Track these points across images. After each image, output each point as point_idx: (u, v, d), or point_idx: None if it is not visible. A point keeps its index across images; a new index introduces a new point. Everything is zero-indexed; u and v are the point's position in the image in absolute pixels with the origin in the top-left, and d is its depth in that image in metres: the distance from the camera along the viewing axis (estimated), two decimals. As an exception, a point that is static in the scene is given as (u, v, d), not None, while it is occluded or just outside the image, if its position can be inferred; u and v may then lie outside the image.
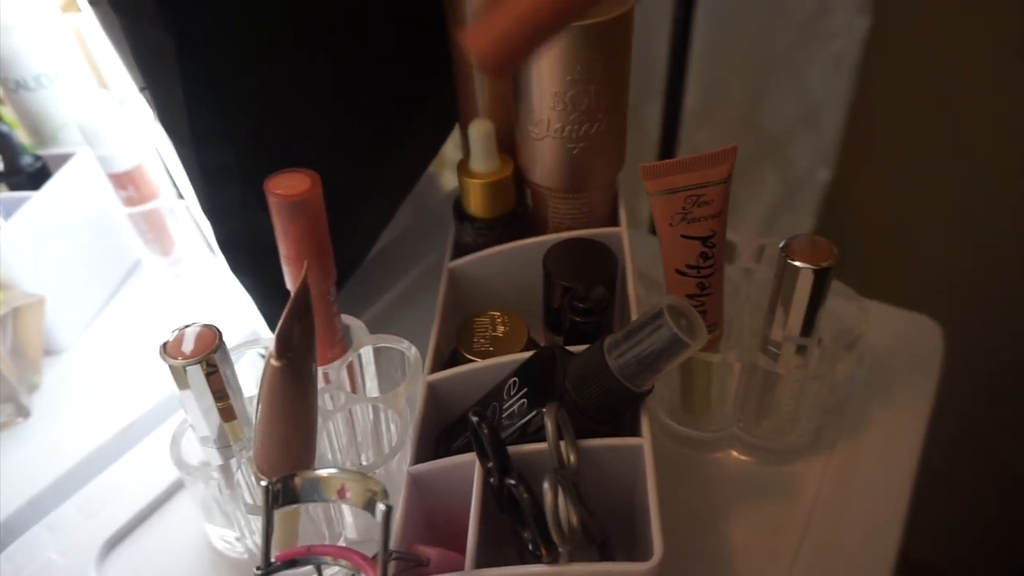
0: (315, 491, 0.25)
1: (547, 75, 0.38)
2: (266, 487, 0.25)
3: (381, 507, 0.24)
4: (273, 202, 0.34)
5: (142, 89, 0.33)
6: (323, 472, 0.25)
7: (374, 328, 0.40)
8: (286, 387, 0.27)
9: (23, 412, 0.48)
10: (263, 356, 0.42)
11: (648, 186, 0.34)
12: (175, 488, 0.42)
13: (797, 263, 0.34)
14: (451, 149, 0.64)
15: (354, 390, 0.40)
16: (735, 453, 0.43)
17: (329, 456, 0.38)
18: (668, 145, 1.00)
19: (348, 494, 0.25)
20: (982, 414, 1.02)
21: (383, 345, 0.40)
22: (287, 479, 0.26)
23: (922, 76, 0.91)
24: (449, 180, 0.67)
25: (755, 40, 0.97)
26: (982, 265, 0.99)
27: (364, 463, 0.40)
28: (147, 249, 0.55)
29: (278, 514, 0.33)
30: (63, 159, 0.53)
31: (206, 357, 0.31)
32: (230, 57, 0.32)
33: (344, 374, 0.39)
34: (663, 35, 0.91)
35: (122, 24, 0.30)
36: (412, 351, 0.39)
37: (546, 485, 0.26)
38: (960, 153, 0.88)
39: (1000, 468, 1.07)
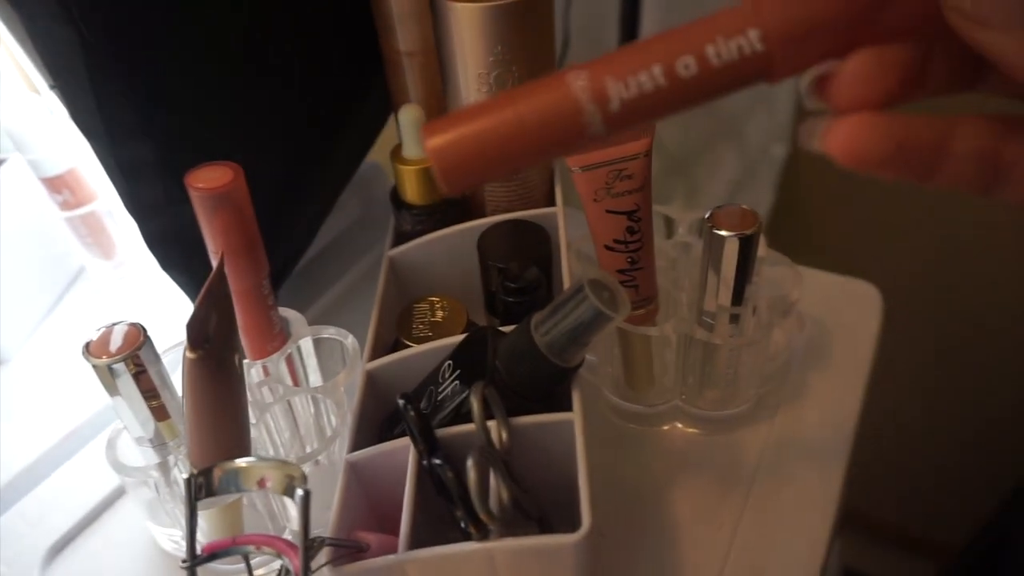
0: (234, 481, 0.25)
1: (470, 57, 0.38)
2: (188, 480, 0.25)
3: (299, 492, 0.24)
4: (195, 196, 0.33)
5: (52, 87, 0.32)
6: (241, 462, 0.25)
7: (323, 321, 0.40)
8: (205, 379, 0.27)
9: (-36, 424, 0.47)
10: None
11: (569, 163, 0.34)
12: (119, 492, 0.42)
13: (722, 232, 0.35)
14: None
15: (295, 382, 0.40)
16: (680, 425, 0.43)
17: (271, 450, 0.38)
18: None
19: (268, 483, 0.25)
20: (923, 376, 1.05)
21: (323, 336, 0.40)
22: (208, 471, 0.25)
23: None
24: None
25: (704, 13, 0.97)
26: (934, 232, 1.01)
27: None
28: (89, 253, 0.54)
29: (219, 508, 0.34)
30: (-4, 165, 0.52)
31: (131, 355, 0.31)
32: (141, 50, 0.32)
33: (283, 367, 0.39)
34: (612, 17, 0.91)
35: (23, 21, 0.30)
36: (349, 340, 0.38)
37: (469, 463, 0.26)
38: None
39: (939, 426, 1.10)
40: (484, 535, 0.28)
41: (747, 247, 0.35)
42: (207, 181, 0.33)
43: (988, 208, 0.90)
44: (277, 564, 0.36)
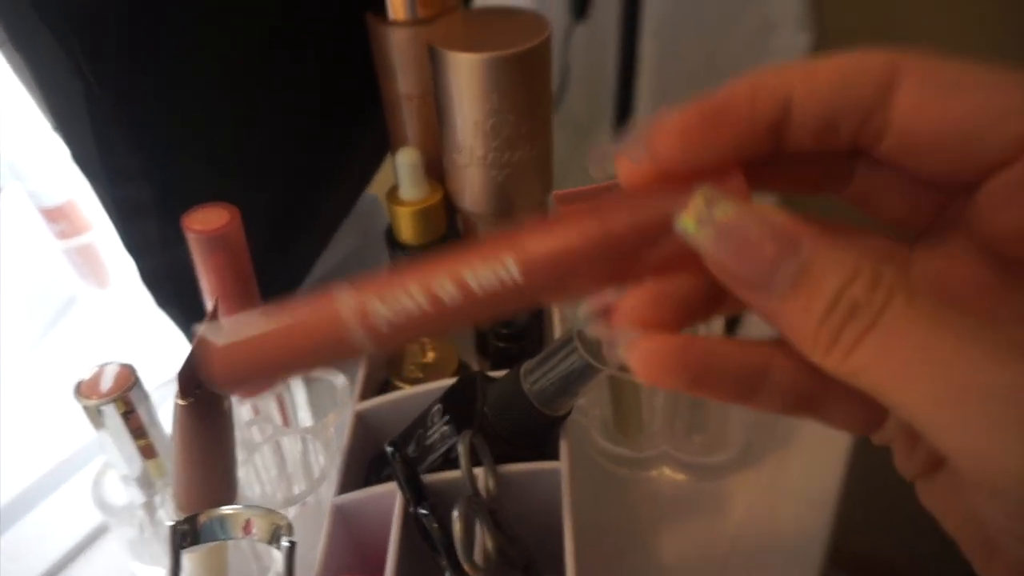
0: (220, 529, 0.25)
1: (467, 104, 0.38)
2: (173, 527, 0.25)
3: (285, 543, 0.24)
4: (191, 238, 0.34)
5: (55, 129, 0.33)
6: (227, 509, 0.25)
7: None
8: (195, 425, 0.27)
9: (-50, 454, 0.47)
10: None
11: (554, 195, 0.34)
12: (102, 529, 0.41)
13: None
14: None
15: (285, 422, 0.40)
16: (667, 471, 0.43)
17: (258, 489, 0.38)
18: (619, 164, 1.02)
19: (254, 529, 0.25)
20: None
21: (313, 376, 0.40)
22: (193, 518, 0.26)
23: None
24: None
25: (702, 58, 0.99)
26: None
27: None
28: (83, 283, 0.55)
29: (204, 551, 0.33)
30: (-7, 194, 0.52)
31: (121, 396, 0.31)
32: (142, 98, 0.32)
33: (273, 406, 0.39)
34: (610, 56, 0.93)
35: (29, 68, 0.30)
36: (340, 380, 0.39)
37: (455, 513, 0.27)
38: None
39: None
40: (469, 586, 0.28)
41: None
42: (204, 223, 0.34)
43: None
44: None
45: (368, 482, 0.36)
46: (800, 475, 0.42)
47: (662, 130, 0.17)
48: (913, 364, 0.14)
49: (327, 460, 0.36)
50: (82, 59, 0.28)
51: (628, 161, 0.18)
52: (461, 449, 0.29)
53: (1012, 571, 0.17)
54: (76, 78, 0.29)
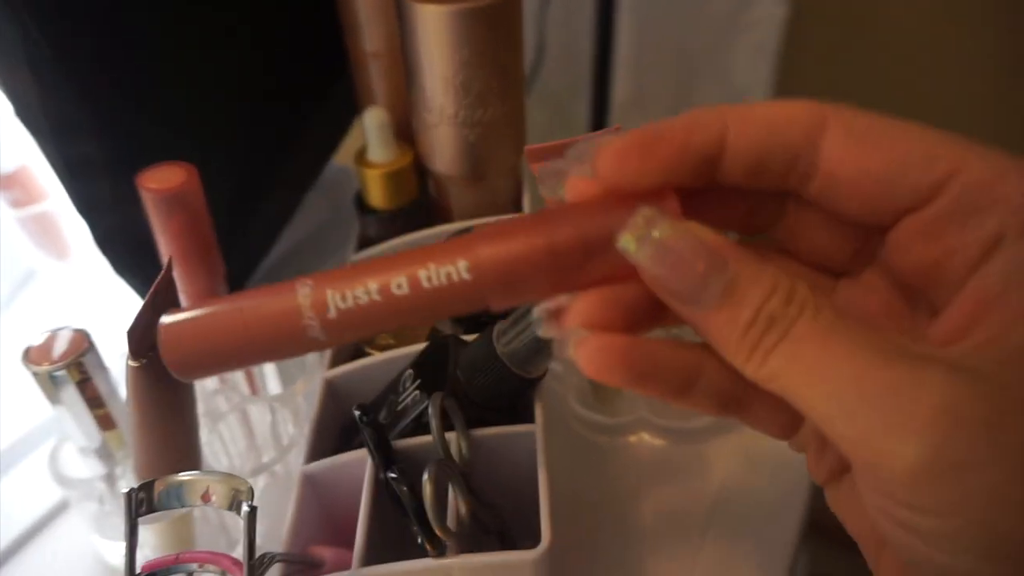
0: (177, 496, 0.24)
1: (437, 60, 0.37)
2: (128, 494, 0.24)
3: (245, 508, 0.23)
4: (147, 197, 0.32)
5: (-6, 80, 0.31)
6: (185, 476, 0.24)
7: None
8: (150, 389, 0.26)
9: (-98, 432, 0.45)
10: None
11: (534, 169, 0.33)
12: (63, 505, 0.40)
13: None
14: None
15: (253, 390, 0.39)
16: (646, 436, 0.43)
17: (225, 461, 0.37)
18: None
19: (213, 496, 0.24)
20: None
21: (280, 343, 0.39)
22: (149, 485, 0.24)
23: (841, 63, 0.94)
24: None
25: (680, 31, 0.98)
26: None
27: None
28: (41, 254, 0.52)
29: (168, 522, 0.32)
30: (-58, 162, 0.50)
31: (74, 362, 0.30)
32: (87, 46, 0.31)
33: (240, 374, 0.37)
34: (586, 28, 0.91)
35: (-37, 12, 0.28)
36: (308, 348, 0.37)
37: (425, 477, 0.26)
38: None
39: None
40: (440, 551, 0.27)
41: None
42: (160, 182, 0.32)
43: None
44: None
45: (339, 452, 0.35)
46: (777, 442, 0.42)
47: (605, 150, 0.19)
48: (815, 367, 0.16)
49: (296, 429, 0.35)
50: (20, 2, 0.26)
51: (575, 177, 0.20)
52: (432, 412, 0.28)
53: (898, 564, 0.19)
54: (14, 23, 0.27)
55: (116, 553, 0.37)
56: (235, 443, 0.37)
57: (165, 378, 0.26)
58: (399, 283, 0.19)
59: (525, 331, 0.29)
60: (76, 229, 0.52)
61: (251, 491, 0.23)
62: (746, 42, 0.98)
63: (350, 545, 0.31)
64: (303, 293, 0.19)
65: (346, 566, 0.30)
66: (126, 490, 0.24)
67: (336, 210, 0.60)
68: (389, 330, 0.20)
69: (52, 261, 0.53)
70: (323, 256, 0.55)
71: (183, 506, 0.24)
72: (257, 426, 0.37)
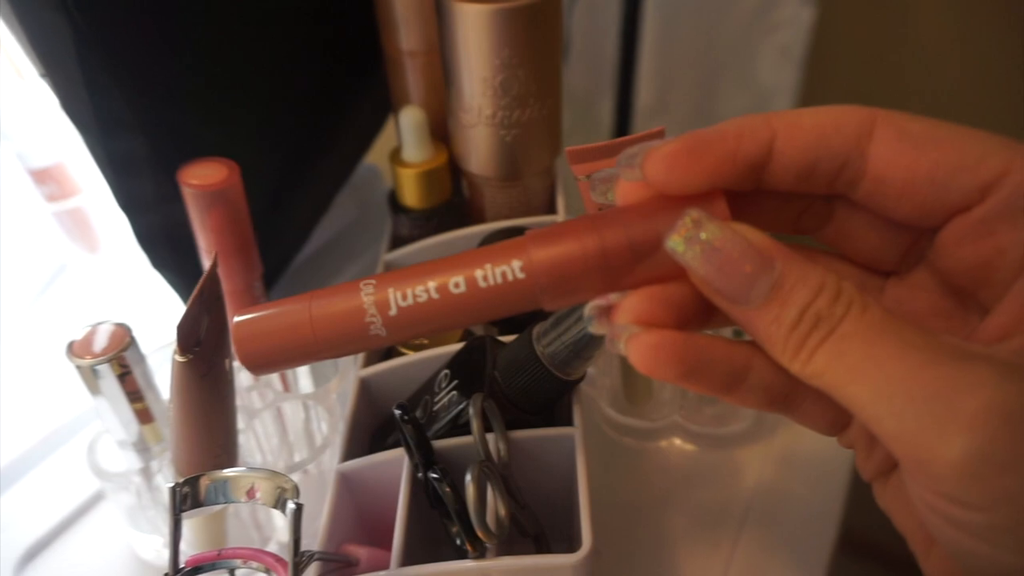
0: (222, 492, 0.24)
1: (475, 60, 0.37)
2: (172, 489, 0.24)
3: (291, 505, 0.23)
4: (188, 193, 0.32)
5: (43, 75, 0.31)
6: (230, 472, 0.24)
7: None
8: (194, 383, 0.26)
9: (-62, 422, 0.45)
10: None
11: (575, 171, 0.33)
12: (97, 497, 0.40)
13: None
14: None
15: (285, 388, 0.39)
16: (678, 441, 0.42)
17: (259, 457, 0.37)
18: (621, 139, 1.01)
19: (258, 493, 0.24)
20: None
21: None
22: (194, 480, 0.24)
23: (868, 66, 0.93)
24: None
25: (704, 33, 0.97)
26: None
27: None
28: (73, 248, 0.53)
29: (203, 518, 0.32)
30: (-21, 156, 0.50)
31: (116, 356, 0.30)
32: (134, 42, 0.31)
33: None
34: (612, 30, 0.91)
35: (13, 6, 0.29)
36: (343, 346, 0.37)
37: (468, 478, 0.25)
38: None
39: None
40: (480, 553, 0.27)
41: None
42: (201, 178, 0.32)
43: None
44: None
45: (372, 452, 0.35)
46: (812, 449, 0.42)
47: (654, 155, 0.19)
48: (861, 365, 0.16)
49: (330, 427, 0.35)
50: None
51: (624, 181, 0.20)
52: (473, 412, 0.28)
53: (945, 561, 0.19)
54: (62, 14, 0.27)
55: (149, 546, 0.37)
56: (269, 440, 0.37)
57: (209, 373, 0.26)
58: (456, 282, 0.20)
59: (565, 333, 0.29)
60: (107, 224, 0.53)
61: (296, 489, 0.23)
62: (772, 44, 0.97)
63: (382, 544, 0.31)
64: (366, 292, 0.20)
65: (380, 565, 0.30)
66: (170, 484, 0.24)
67: (364, 209, 0.60)
68: (447, 328, 0.20)
69: (83, 255, 0.54)
70: (352, 255, 0.55)
71: (228, 502, 0.24)
72: (290, 424, 0.37)
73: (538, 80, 0.38)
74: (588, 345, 0.29)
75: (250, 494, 0.24)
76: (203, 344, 0.26)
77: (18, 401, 0.46)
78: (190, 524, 0.33)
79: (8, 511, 0.40)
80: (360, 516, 0.34)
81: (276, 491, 0.24)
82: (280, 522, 0.37)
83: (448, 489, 0.26)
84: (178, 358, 0.25)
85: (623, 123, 0.99)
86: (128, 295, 0.54)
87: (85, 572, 0.37)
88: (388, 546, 0.31)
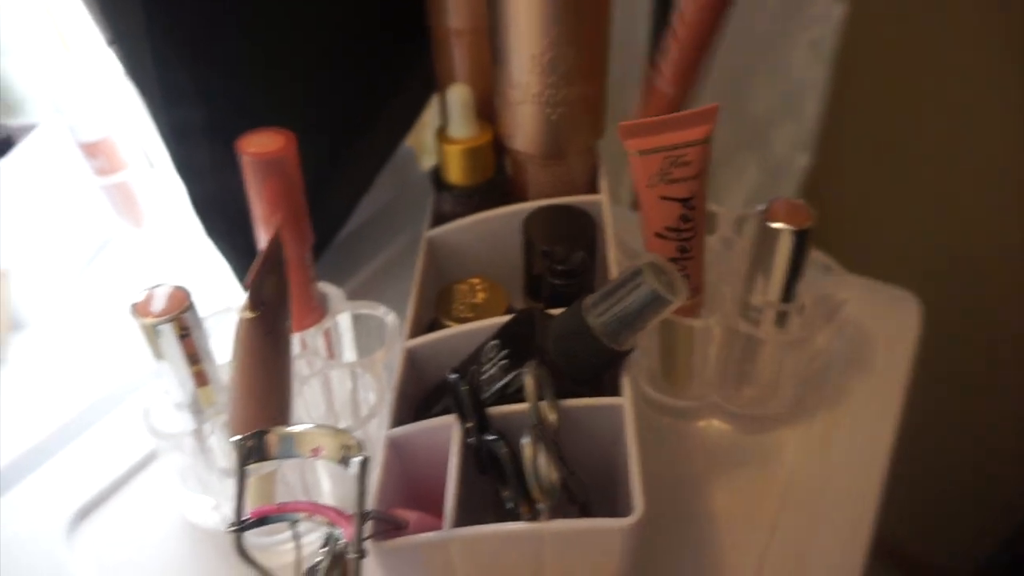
0: (288, 447, 0.25)
1: (525, 37, 0.37)
2: (238, 442, 0.25)
3: (356, 459, 0.23)
4: (246, 161, 0.33)
5: (111, 43, 0.32)
6: (296, 428, 0.25)
7: (355, 299, 0.40)
8: (259, 341, 0.27)
9: (-11, 386, 0.46)
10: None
11: (627, 145, 0.33)
12: (147, 459, 0.41)
13: (776, 225, 0.34)
14: (429, 136, 0.63)
15: (331, 358, 0.40)
16: (715, 422, 0.43)
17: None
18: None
19: (322, 451, 0.24)
20: (957, 395, 1.03)
21: (361, 312, 0.39)
22: (260, 435, 0.25)
23: (900, 61, 0.92)
24: (429, 161, 0.67)
25: (735, 27, 0.97)
26: (960, 248, 1.00)
27: (341, 432, 0.40)
28: (119, 221, 0.54)
29: (253, 478, 0.33)
30: (28, 130, 0.51)
31: (177, 316, 0.31)
32: (202, 12, 0.31)
33: (320, 341, 0.38)
34: (643, 23, 0.91)
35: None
36: (390, 317, 0.38)
37: (525, 440, 0.26)
38: (939, 138, 0.89)
39: (976, 449, 1.08)
40: (534, 516, 0.27)
41: (801, 242, 0.34)
42: (259, 146, 0.33)
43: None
44: (310, 537, 0.36)
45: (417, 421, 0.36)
46: (851, 435, 0.42)
47: None
48: None
49: (377, 396, 0.36)
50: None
51: None
52: (528, 379, 0.29)
53: None
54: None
55: (198, 507, 0.38)
56: (315, 408, 0.38)
57: (272, 332, 0.27)
58: None
59: (617, 303, 0.29)
60: (153, 199, 0.54)
61: (360, 445, 0.24)
62: (802, 40, 0.96)
63: (427, 510, 0.32)
64: None
65: (427, 529, 0.31)
66: (235, 438, 0.25)
67: (400, 188, 0.60)
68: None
69: (128, 229, 0.55)
70: (391, 234, 0.56)
71: (294, 456, 0.24)
72: (337, 393, 0.38)
73: (586, 59, 0.38)
74: (640, 314, 0.29)
75: (314, 452, 0.24)
76: (267, 304, 0.26)
77: (70, 366, 0.47)
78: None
79: (62, 471, 0.41)
80: (406, 482, 0.35)
81: (341, 449, 0.24)
82: (327, 487, 0.37)
83: (506, 450, 0.26)
84: (246, 314, 0.25)
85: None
86: (170, 269, 0.55)
87: (136, 531, 0.38)
88: (433, 512, 0.32)
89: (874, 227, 1.07)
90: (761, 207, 0.35)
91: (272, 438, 0.25)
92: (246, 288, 0.25)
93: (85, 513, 0.39)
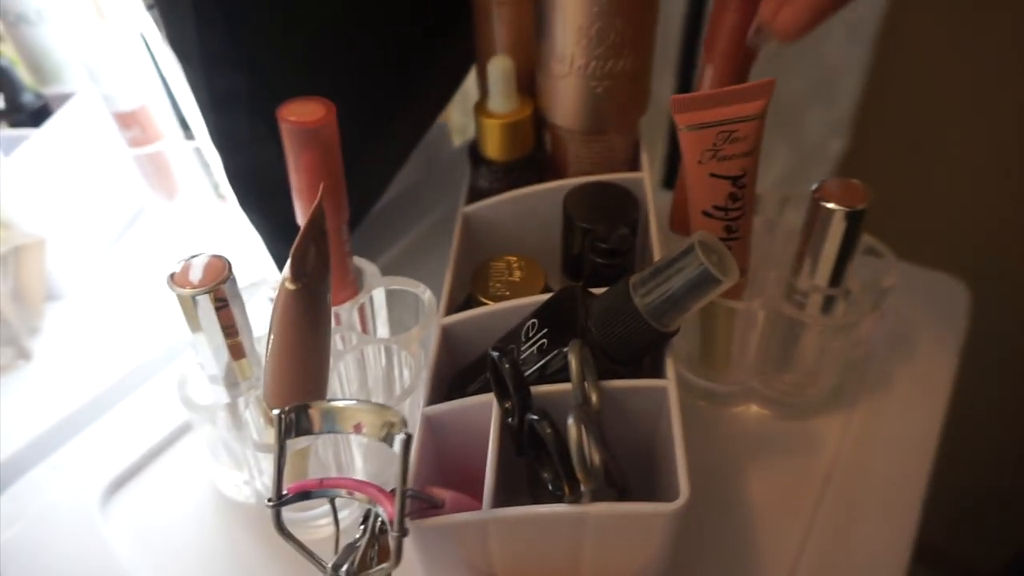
0: (331, 422, 0.24)
1: (572, 7, 0.36)
2: (279, 415, 0.24)
3: (400, 436, 0.23)
4: (286, 130, 0.32)
5: (150, 7, 0.31)
6: (339, 403, 0.24)
7: (386, 275, 0.39)
8: (300, 313, 0.26)
9: (24, 354, 0.47)
10: (272, 299, 0.41)
11: (677, 120, 0.32)
12: (180, 431, 0.41)
13: (829, 205, 0.33)
14: (455, 115, 0.62)
15: (365, 333, 0.39)
16: (754, 407, 0.42)
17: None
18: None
19: (364, 427, 0.24)
20: (1005, 385, 1.00)
21: (396, 288, 0.39)
22: (300, 409, 0.24)
23: (940, 46, 0.89)
24: (459, 138, 0.66)
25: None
26: (996, 235, 0.97)
27: (374, 409, 0.39)
28: (151, 192, 0.54)
29: (288, 454, 0.33)
30: (65, 98, 0.51)
31: (215, 288, 0.30)
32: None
33: (355, 316, 0.38)
34: (678, 4, 0.89)
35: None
36: (427, 294, 0.37)
37: (571, 420, 0.25)
38: (977, 124, 0.86)
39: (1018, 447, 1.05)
40: (576, 497, 0.26)
41: (855, 223, 0.33)
42: (299, 115, 0.32)
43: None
44: (342, 512, 0.36)
45: (451, 398, 0.35)
46: (894, 427, 0.40)
47: None
48: None
49: (413, 374, 0.35)
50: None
51: None
52: (572, 359, 0.28)
53: None
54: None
55: (229, 481, 0.38)
56: (349, 384, 0.37)
57: (312, 306, 0.26)
58: None
59: (665, 283, 0.28)
60: (186, 171, 0.54)
61: (404, 421, 0.23)
62: (841, 22, 0.94)
63: (460, 488, 0.31)
64: None
65: (462, 509, 0.30)
66: (277, 411, 0.25)
67: (432, 164, 0.60)
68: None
69: (160, 201, 0.55)
70: (424, 210, 0.55)
71: (335, 431, 0.24)
72: (371, 368, 0.38)
73: (634, 30, 0.37)
74: (689, 294, 0.28)
75: (356, 428, 0.24)
76: (309, 275, 0.26)
77: (105, 336, 0.47)
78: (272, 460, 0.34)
79: (97, 442, 0.41)
80: (439, 460, 0.34)
81: (384, 426, 0.24)
82: (360, 463, 0.37)
83: (550, 431, 0.26)
84: (288, 285, 0.25)
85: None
86: (202, 241, 0.54)
87: (169, 503, 0.38)
88: (467, 491, 0.32)
89: (917, 213, 1.04)
90: (815, 185, 0.33)
91: (314, 412, 0.24)
92: (291, 256, 0.24)
93: (119, 484, 0.39)
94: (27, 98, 0.51)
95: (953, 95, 0.88)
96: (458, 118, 0.75)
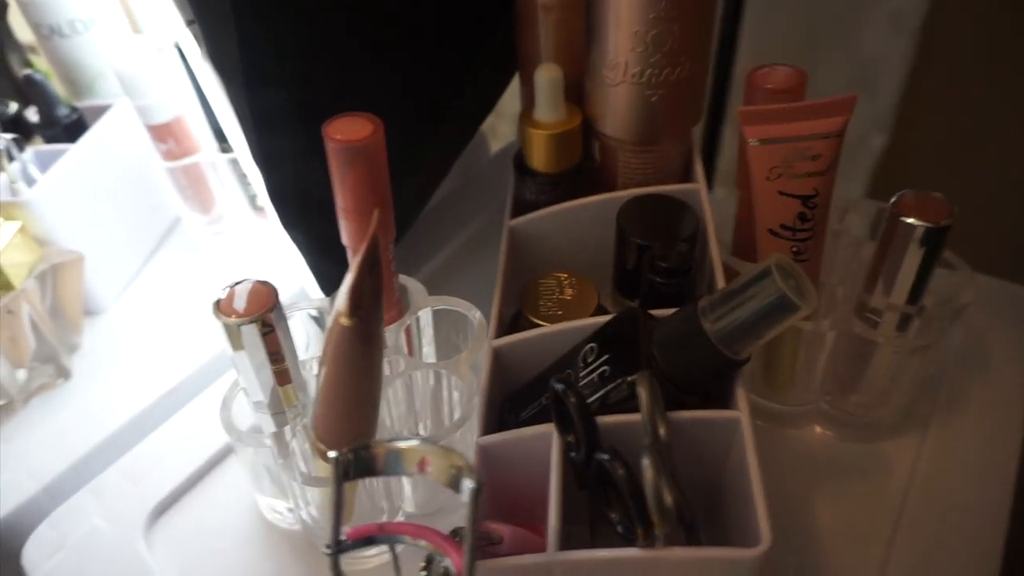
0: (396, 464, 0.23)
1: (627, 12, 0.34)
2: (336, 458, 0.23)
3: (469, 484, 0.21)
4: (332, 148, 0.31)
5: (190, 23, 0.30)
6: (402, 443, 0.23)
7: (427, 287, 0.38)
8: (355, 348, 0.25)
9: (64, 373, 0.46)
10: (314, 317, 0.40)
11: (746, 132, 0.30)
12: (223, 454, 0.40)
13: (911, 220, 0.31)
14: (491, 119, 0.60)
15: (411, 355, 0.38)
16: (818, 428, 0.40)
17: (388, 423, 0.36)
18: (718, 108, 0.96)
19: (429, 468, 0.22)
20: None
21: (442, 308, 0.37)
22: (359, 450, 0.23)
23: (986, 39, 0.85)
24: (495, 144, 0.64)
25: (808, 1, 0.91)
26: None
27: (422, 432, 0.38)
28: (186, 206, 0.53)
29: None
30: (100, 111, 0.50)
31: (262, 316, 0.29)
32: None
33: (402, 338, 0.36)
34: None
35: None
36: (477, 315, 0.36)
37: (646, 461, 0.24)
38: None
39: None
40: (649, 542, 0.25)
41: (936, 240, 0.31)
42: (346, 133, 0.31)
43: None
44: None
45: (503, 425, 0.34)
46: (971, 448, 0.38)
47: None
48: None
49: (464, 399, 0.34)
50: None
51: None
52: (642, 391, 0.26)
53: None
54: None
55: (273, 508, 0.37)
56: (397, 407, 0.36)
57: (368, 339, 0.25)
58: None
59: (738, 307, 0.27)
60: (221, 183, 0.52)
61: (470, 467, 0.22)
62: (881, 13, 0.90)
63: (514, 522, 0.30)
64: None
65: (522, 544, 0.29)
66: (334, 454, 0.23)
67: (469, 174, 0.58)
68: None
69: (195, 215, 0.54)
70: (462, 221, 0.53)
71: (400, 473, 0.23)
72: (419, 392, 0.36)
73: (692, 37, 0.35)
74: (763, 320, 0.26)
75: (421, 467, 0.22)
76: (364, 308, 0.24)
77: (143, 353, 0.46)
78: (321, 492, 0.32)
79: (138, 464, 0.40)
80: (494, 491, 0.33)
81: (449, 468, 0.22)
82: (409, 492, 0.36)
83: (621, 471, 0.24)
84: (344, 321, 0.23)
85: (722, 88, 0.94)
86: (237, 254, 0.54)
87: (213, 529, 0.37)
88: (520, 519, 0.30)
89: (967, 216, 1.01)
90: (893, 199, 0.31)
91: (379, 452, 0.23)
92: (348, 291, 0.23)
93: (163, 509, 0.38)
94: (62, 111, 0.51)
95: (1000, 90, 0.84)
96: (487, 119, 0.73)
